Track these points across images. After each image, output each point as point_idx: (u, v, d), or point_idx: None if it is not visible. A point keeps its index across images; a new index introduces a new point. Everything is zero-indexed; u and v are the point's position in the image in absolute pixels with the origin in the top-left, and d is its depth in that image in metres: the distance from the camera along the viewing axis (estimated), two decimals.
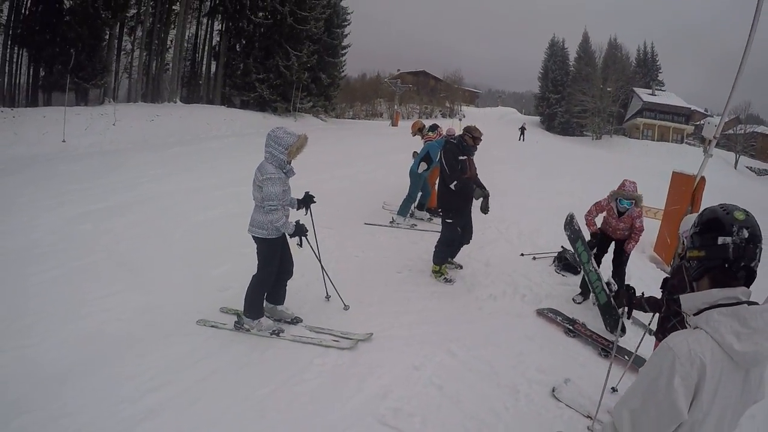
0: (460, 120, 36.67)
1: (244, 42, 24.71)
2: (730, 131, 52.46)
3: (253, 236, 3.65)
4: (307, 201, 4.01)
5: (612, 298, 4.04)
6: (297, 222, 3.69)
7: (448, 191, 4.89)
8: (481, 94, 79.82)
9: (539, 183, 12.69)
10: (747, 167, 46.16)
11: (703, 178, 7.06)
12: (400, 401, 3.07)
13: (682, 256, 1.85)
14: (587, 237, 4.96)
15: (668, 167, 7.99)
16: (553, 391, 3.31)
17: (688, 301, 1.54)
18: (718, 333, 1.40)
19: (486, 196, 4.93)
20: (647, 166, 21.49)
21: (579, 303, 4.87)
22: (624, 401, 1.50)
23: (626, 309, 2.82)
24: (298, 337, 3.70)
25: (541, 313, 4.48)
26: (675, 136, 49.53)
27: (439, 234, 5.16)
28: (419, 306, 4.44)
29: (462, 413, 3.04)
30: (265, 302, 3.87)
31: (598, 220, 5.06)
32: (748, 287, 1.51)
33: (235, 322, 3.77)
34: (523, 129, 35.36)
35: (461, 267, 5.46)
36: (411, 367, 3.43)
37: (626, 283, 2.82)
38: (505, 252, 6.25)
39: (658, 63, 56.94)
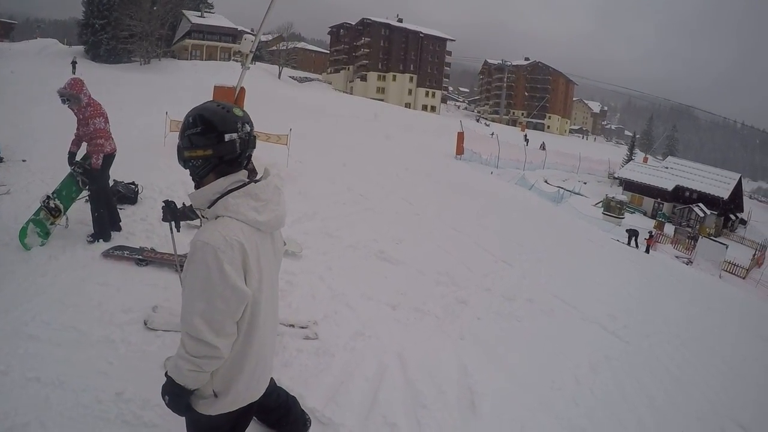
0: None
1: None
2: (275, 48, 61.56)
3: None
4: None
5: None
6: None
7: None
8: (16, 26, 63.52)
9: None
10: (290, 77, 56.66)
11: (243, 89, 7.90)
12: None
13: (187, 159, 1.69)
14: None
15: (217, 82, 8.44)
16: (146, 323, 3.23)
17: (198, 197, 1.57)
18: (240, 214, 1.51)
19: None
20: (195, 85, 21.58)
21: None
22: (189, 311, 1.48)
23: (173, 223, 2.90)
24: None
25: (107, 254, 4.12)
26: (223, 54, 53.83)
27: None
28: None
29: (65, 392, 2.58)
30: None
31: None
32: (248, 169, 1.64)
33: None
34: (74, 63, 29.26)
35: None
36: None
37: (167, 199, 2.81)
38: None
39: None
